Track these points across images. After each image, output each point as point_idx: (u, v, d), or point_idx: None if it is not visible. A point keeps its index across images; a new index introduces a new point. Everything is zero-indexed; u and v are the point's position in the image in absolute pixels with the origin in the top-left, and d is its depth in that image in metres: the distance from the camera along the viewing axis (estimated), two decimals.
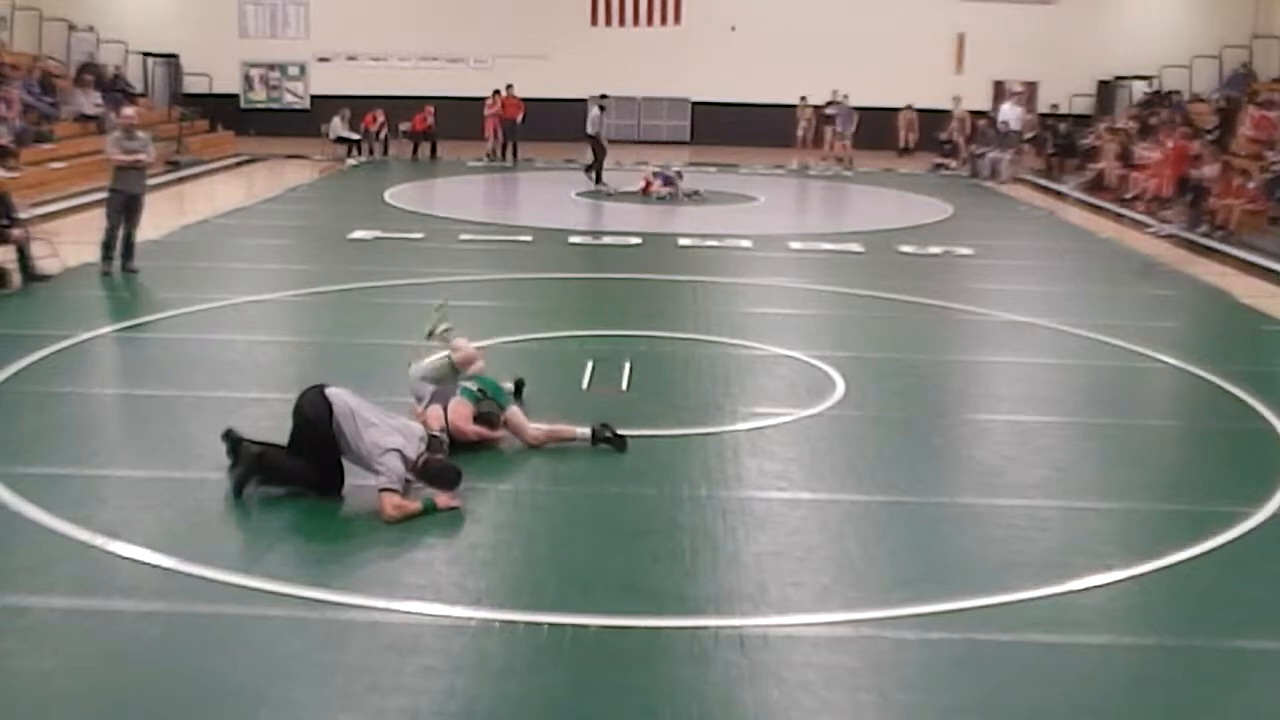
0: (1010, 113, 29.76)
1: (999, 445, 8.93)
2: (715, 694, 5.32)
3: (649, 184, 23.05)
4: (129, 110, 15.53)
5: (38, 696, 5.18)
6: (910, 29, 32.39)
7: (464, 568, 6.57)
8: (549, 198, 23.20)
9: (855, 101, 29.83)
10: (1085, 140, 27.89)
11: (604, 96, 25.38)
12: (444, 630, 5.86)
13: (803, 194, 26.29)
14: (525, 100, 29.23)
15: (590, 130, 24.30)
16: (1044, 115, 30.53)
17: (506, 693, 5.30)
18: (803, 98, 30.18)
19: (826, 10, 32.33)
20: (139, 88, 30.76)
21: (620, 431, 8.39)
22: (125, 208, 13.85)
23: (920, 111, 31.68)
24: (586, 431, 8.40)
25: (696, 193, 23.30)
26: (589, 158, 24.44)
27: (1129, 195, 22.84)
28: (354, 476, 7.47)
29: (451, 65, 32.81)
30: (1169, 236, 19.68)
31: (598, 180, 23.98)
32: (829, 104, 29.93)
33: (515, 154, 28.74)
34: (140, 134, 14.36)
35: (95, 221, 14.36)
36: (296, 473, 7.56)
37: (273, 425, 8.80)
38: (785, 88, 30.30)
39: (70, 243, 14.27)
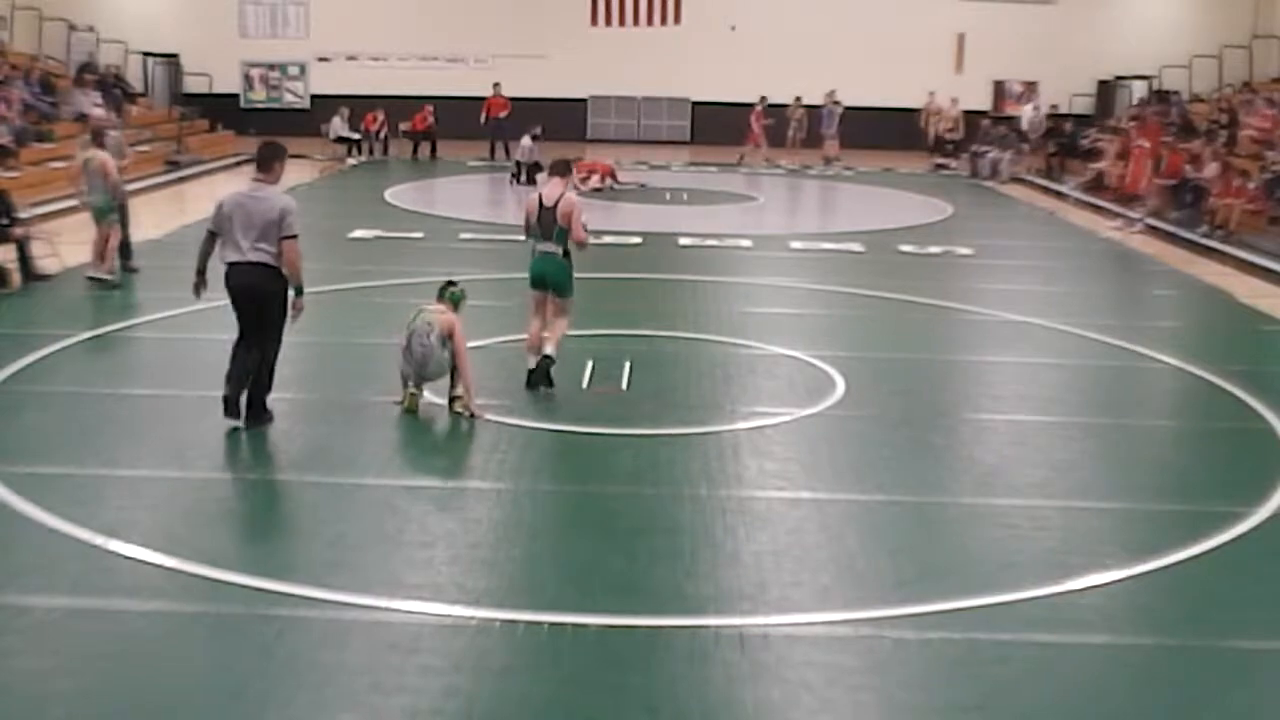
0: (1029, 115, 29.89)
1: (999, 445, 8.93)
2: (715, 693, 5.33)
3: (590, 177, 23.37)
4: (98, 112, 15.54)
5: (38, 696, 5.18)
6: (910, 29, 32.35)
7: (464, 568, 6.57)
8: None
9: (859, 102, 29.85)
10: (1085, 140, 27.88)
11: (540, 129, 25.58)
12: (444, 630, 5.86)
13: (802, 194, 26.29)
14: (525, 100, 29.22)
15: (519, 157, 24.64)
16: (1046, 115, 30.50)
17: (506, 692, 5.30)
18: (797, 98, 30.16)
19: (826, 10, 32.31)
20: (139, 88, 30.76)
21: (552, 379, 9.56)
22: None
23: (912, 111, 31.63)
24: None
25: (642, 186, 23.60)
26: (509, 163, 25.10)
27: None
28: (352, 475, 7.46)
29: (451, 65, 32.79)
30: (1138, 230, 19.87)
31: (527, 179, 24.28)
32: (826, 104, 29.94)
33: (509, 153, 28.70)
34: (112, 133, 14.32)
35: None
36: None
37: (271, 425, 8.83)
38: (785, 88, 30.26)
39: (70, 243, 14.25)
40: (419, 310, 9.05)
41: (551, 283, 9.68)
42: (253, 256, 8.47)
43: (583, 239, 9.66)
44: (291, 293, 8.62)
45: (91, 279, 13.21)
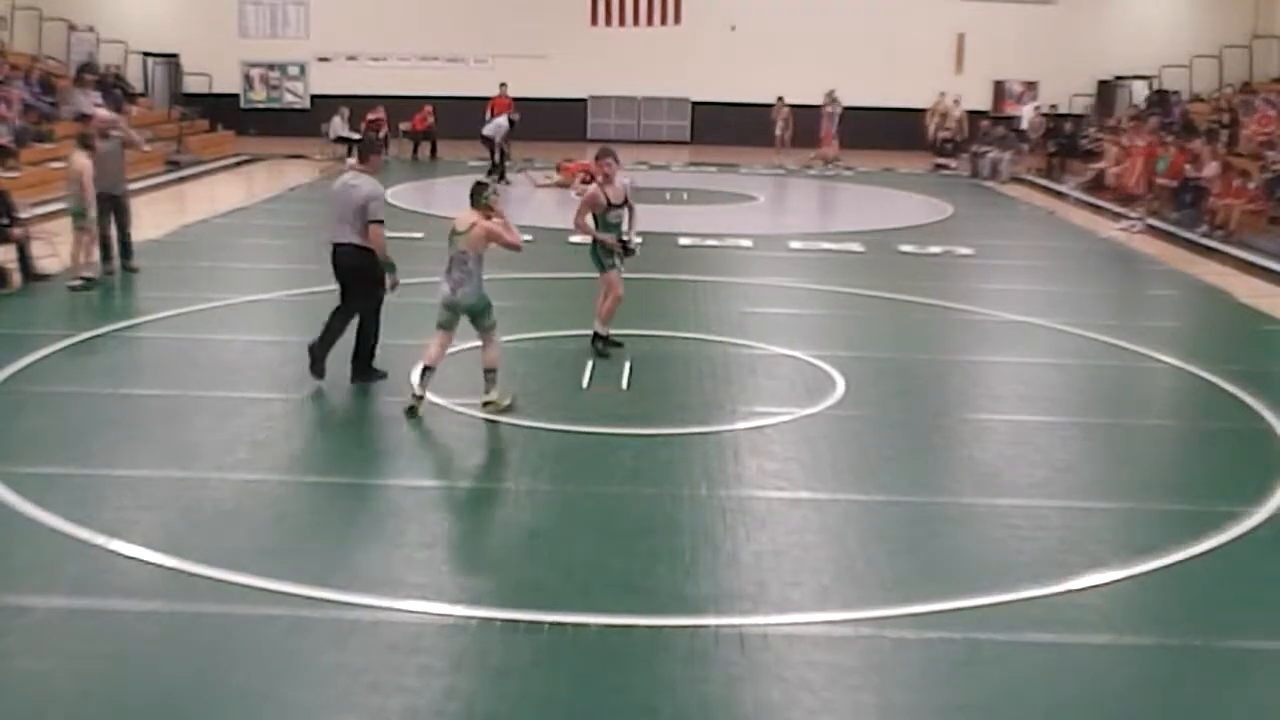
0: (1027, 114, 29.92)
1: (999, 445, 8.93)
2: (715, 693, 5.33)
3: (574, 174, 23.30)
4: (103, 113, 15.46)
5: (38, 696, 5.18)
6: (910, 29, 32.35)
7: (464, 568, 6.57)
8: (548, 197, 23.20)
9: (859, 102, 29.86)
10: (1085, 140, 27.88)
11: (519, 116, 26.02)
12: (444, 630, 5.86)
13: (802, 194, 26.29)
14: (525, 100, 29.23)
15: (488, 131, 25.04)
16: (1045, 115, 30.52)
17: (506, 692, 5.30)
18: (779, 98, 30.15)
19: (826, 10, 32.30)
20: (139, 88, 30.76)
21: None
22: (109, 209, 13.80)
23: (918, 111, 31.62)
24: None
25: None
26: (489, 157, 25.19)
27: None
28: (352, 475, 7.45)
29: (451, 65, 32.79)
30: (1139, 231, 19.97)
31: (501, 177, 24.51)
32: (826, 104, 29.96)
33: (507, 154, 28.74)
34: (114, 133, 14.28)
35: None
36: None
37: (272, 426, 8.84)
38: (785, 88, 30.28)
39: (70, 242, 14.24)
40: (452, 232, 9.10)
41: None
42: (343, 238, 9.55)
43: (575, 221, 10.75)
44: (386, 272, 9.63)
45: (72, 287, 13.05)
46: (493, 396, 9.05)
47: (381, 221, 9.47)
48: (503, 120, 25.16)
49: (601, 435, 8.72)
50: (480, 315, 9.03)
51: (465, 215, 9.08)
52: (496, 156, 24.87)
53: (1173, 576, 6.68)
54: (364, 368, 9.75)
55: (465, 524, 7.20)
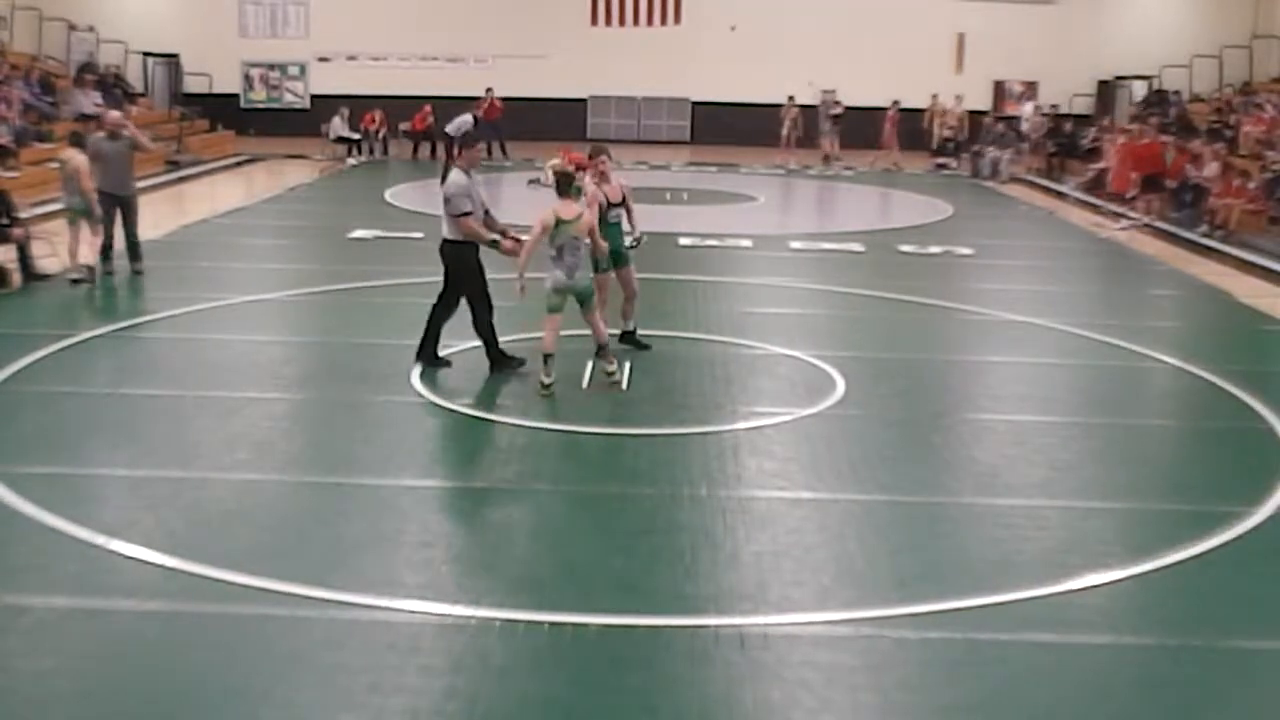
0: (1027, 114, 29.95)
1: (999, 445, 8.93)
2: (715, 693, 5.32)
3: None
4: (114, 114, 15.47)
5: (37, 696, 5.18)
6: (910, 29, 32.36)
7: (464, 568, 6.57)
8: (547, 197, 23.19)
9: (860, 102, 29.86)
10: (1085, 140, 27.89)
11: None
12: (444, 630, 5.86)
13: (803, 194, 26.29)
14: (525, 100, 29.27)
15: (450, 129, 24.85)
16: (1045, 115, 30.54)
17: (506, 692, 5.30)
18: (790, 97, 30.17)
19: (826, 10, 32.31)
20: (139, 88, 30.77)
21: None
22: (116, 209, 13.79)
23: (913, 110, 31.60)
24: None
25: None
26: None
27: (1130, 195, 22.86)
28: (352, 475, 7.44)
29: (451, 65, 32.80)
30: (1129, 229, 20.01)
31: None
32: (828, 104, 29.99)
33: (505, 152, 28.80)
34: (123, 134, 14.30)
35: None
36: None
37: (272, 426, 8.84)
38: (785, 87, 30.29)
39: (68, 239, 14.23)
40: (559, 221, 9.46)
41: None
42: (443, 233, 9.97)
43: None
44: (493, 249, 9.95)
45: (74, 280, 13.14)
46: (613, 367, 9.71)
47: (468, 213, 9.71)
48: (468, 118, 25.06)
49: (601, 435, 8.72)
50: (589, 298, 9.69)
51: (564, 206, 9.57)
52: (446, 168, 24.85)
53: (1173, 576, 6.68)
54: (495, 354, 10.05)
55: (465, 524, 7.20)
